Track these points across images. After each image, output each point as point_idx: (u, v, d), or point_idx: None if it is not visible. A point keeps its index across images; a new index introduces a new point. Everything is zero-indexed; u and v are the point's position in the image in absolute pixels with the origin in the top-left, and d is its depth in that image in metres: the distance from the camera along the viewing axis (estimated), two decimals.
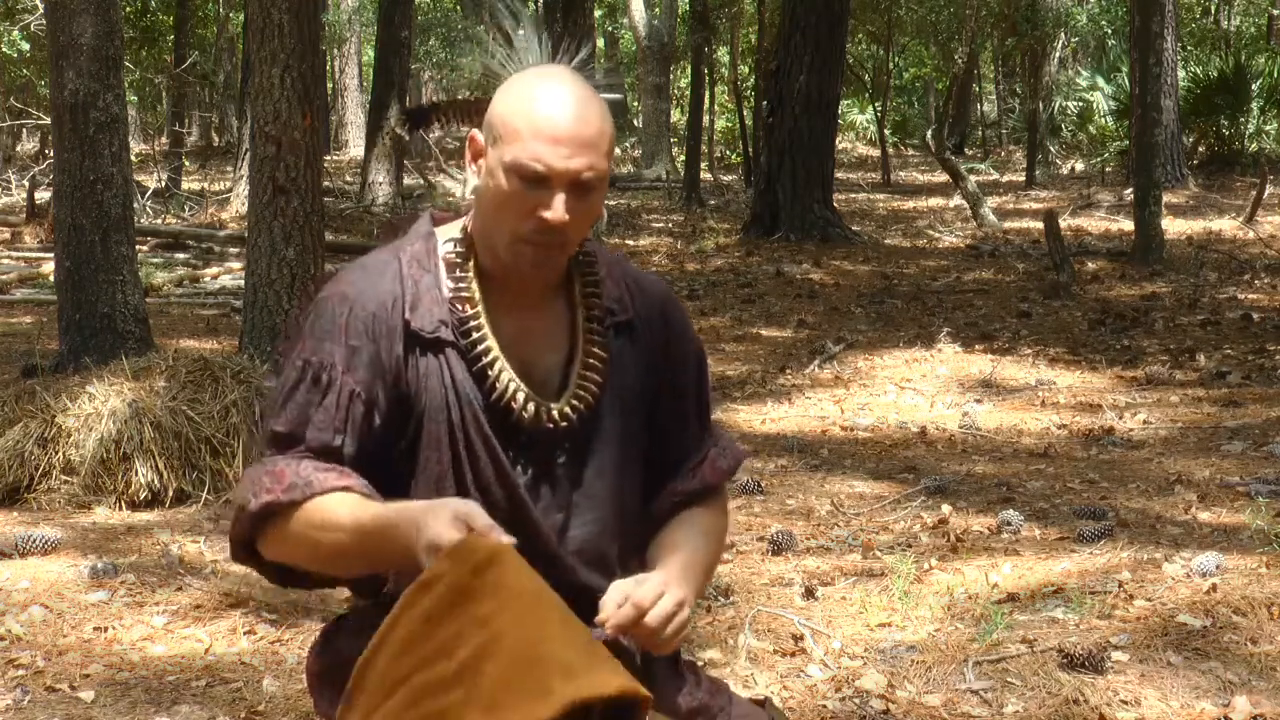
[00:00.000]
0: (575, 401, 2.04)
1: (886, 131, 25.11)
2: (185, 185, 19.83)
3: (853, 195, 20.15)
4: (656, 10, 25.15)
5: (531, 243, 1.97)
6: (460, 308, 2.02)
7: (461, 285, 2.03)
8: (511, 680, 1.72)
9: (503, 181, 1.96)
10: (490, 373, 2.01)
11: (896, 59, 26.45)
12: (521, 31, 2.07)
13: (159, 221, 16.08)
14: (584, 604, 2.01)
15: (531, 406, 2.02)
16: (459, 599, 1.78)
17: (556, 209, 1.94)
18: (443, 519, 1.82)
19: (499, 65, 2.08)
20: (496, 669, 1.73)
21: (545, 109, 1.95)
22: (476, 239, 2.05)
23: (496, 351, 2.02)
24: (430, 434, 2.01)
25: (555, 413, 2.03)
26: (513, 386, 2.01)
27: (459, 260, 2.04)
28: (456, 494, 2.00)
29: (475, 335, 2.01)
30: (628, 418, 2.09)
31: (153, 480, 5.44)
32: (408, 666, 1.79)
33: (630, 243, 15.04)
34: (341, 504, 1.93)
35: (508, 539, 1.82)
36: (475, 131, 2.05)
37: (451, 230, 2.08)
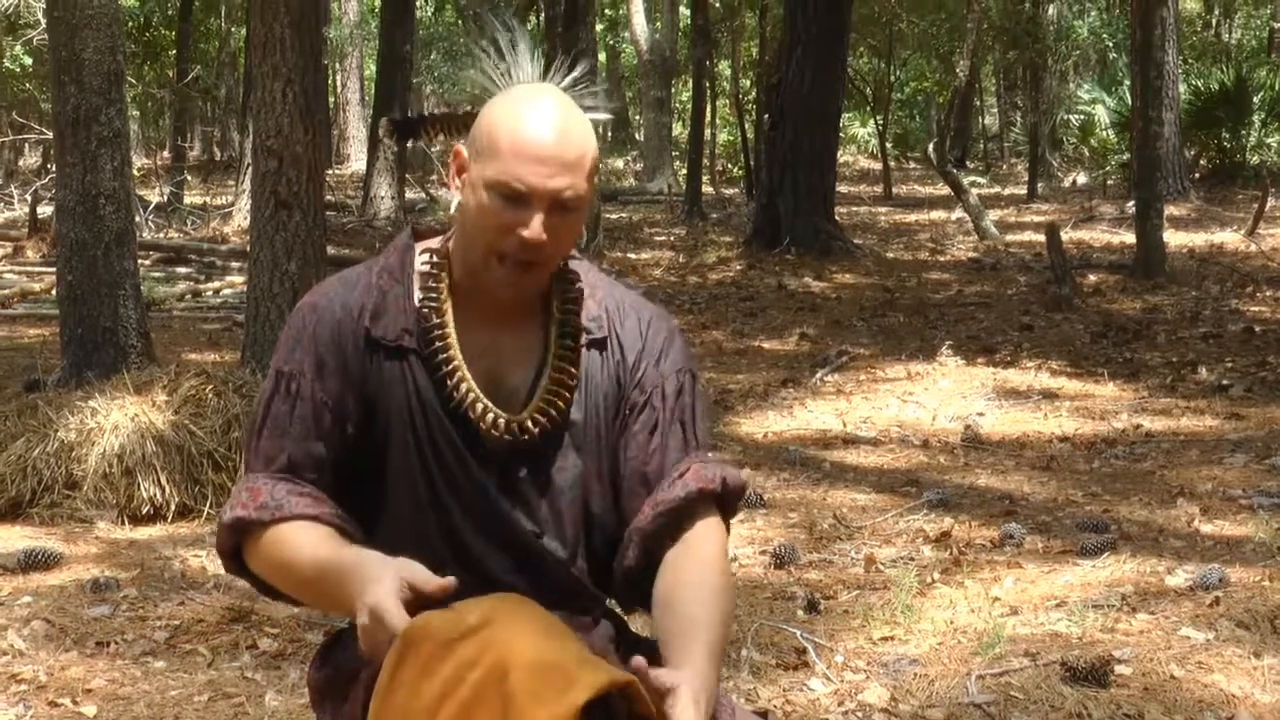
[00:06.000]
0: (538, 415, 2.05)
1: (888, 145, 25.14)
2: (187, 199, 19.83)
3: (854, 208, 20.15)
4: (658, 24, 25.22)
5: (507, 260, 1.98)
6: (427, 316, 2.04)
7: (432, 296, 2.06)
8: (536, 685, 1.73)
9: (484, 198, 1.98)
10: (449, 381, 2.04)
11: (898, 72, 26.46)
12: (516, 46, 2.08)
13: (161, 236, 16.09)
14: (571, 600, 2.07)
15: (490, 417, 2.04)
16: (453, 645, 1.78)
17: (534, 228, 1.96)
18: (386, 584, 1.82)
19: (488, 80, 2.09)
20: (519, 678, 1.73)
21: (528, 128, 1.96)
22: (454, 254, 2.08)
23: (458, 361, 2.04)
24: (398, 438, 2.04)
25: (515, 425, 2.04)
26: (471, 396, 2.04)
27: (433, 272, 2.07)
28: (428, 495, 2.04)
29: (438, 344, 2.04)
30: (598, 435, 2.09)
31: (155, 495, 5.44)
32: (420, 714, 1.78)
33: (632, 256, 15.05)
34: (306, 536, 1.97)
35: (449, 581, 1.82)
36: (460, 146, 2.07)
37: (432, 244, 2.11)
